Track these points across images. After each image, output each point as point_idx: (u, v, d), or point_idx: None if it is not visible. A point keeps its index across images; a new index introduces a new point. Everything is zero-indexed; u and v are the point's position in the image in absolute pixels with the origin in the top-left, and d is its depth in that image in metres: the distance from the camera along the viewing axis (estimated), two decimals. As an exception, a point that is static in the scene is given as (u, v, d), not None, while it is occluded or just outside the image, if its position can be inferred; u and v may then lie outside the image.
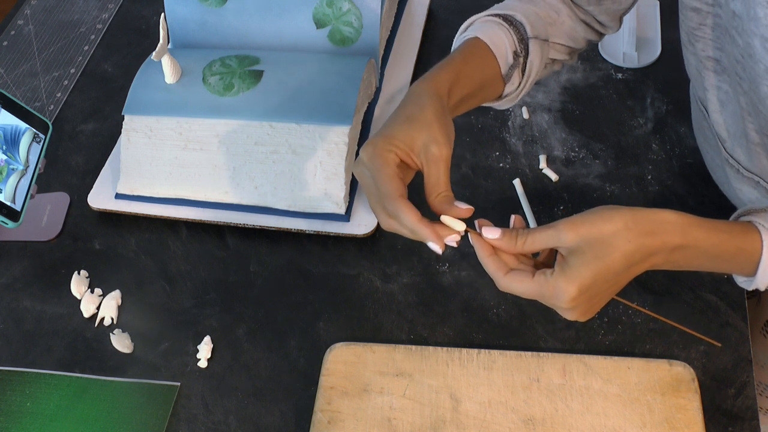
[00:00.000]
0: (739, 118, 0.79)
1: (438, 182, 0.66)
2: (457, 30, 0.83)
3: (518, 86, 0.81)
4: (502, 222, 0.95)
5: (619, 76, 1.09)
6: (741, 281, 0.70)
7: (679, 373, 0.79)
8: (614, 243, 0.60)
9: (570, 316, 0.63)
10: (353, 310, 0.88)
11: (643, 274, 0.88)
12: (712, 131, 0.85)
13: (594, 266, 0.60)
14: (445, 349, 0.82)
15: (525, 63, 0.80)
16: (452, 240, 0.64)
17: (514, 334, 0.85)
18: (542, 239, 0.62)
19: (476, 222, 0.65)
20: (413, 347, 0.83)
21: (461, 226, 0.64)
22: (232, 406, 0.82)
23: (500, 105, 0.83)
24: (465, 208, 0.65)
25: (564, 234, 0.61)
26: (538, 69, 0.81)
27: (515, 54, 0.78)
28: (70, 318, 0.90)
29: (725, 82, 0.79)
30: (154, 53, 0.92)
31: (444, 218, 0.65)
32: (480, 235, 0.64)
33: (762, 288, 0.67)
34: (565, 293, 0.61)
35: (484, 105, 0.82)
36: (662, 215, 0.62)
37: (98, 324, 0.89)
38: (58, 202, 1.00)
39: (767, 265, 0.65)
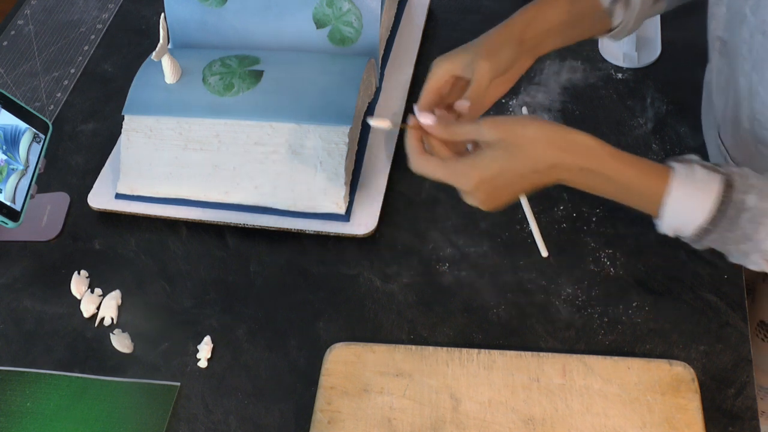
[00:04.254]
0: (734, 104, 0.79)
1: (470, 91, 0.75)
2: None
3: (623, 20, 0.83)
4: (504, 223, 0.95)
5: (619, 76, 1.09)
6: (660, 227, 0.71)
7: (679, 373, 0.79)
8: (526, 147, 0.67)
9: (471, 200, 0.71)
10: (353, 310, 0.88)
11: (643, 274, 0.88)
12: (713, 115, 0.86)
13: (501, 162, 0.68)
14: (445, 349, 0.82)
15: None
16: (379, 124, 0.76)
17: (514, 334, 0.85)
18: (466, 130, 0.70)
19: (415, 106, 0.73)
20: (413, 347, 0.83)
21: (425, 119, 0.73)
22: (232, 406, 0.82)
23: (613, 37, 0.86)
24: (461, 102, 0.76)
25: (485, 129, 0.68)
26: (642, 3, 0.82)
27: None
28: (70, 318, 0.90)
29: (727, 65, 0.80)
30: (154, 53, 0.92)
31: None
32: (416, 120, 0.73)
33: (669, 232, 0.70)
34: (469, 178, 0.69)
35: (597, 37, 0.87)
36: (578, 137, 0.68)
37: (98, 324, 0.89)
38: (58, 202, 1.00)
39: (673, 209, 0.67)
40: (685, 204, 0.67)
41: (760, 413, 1.11)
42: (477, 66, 0.76)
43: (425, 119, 0.71)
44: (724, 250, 0.70)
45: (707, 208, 0.66)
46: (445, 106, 0.79)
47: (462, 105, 0.76)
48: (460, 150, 0.74)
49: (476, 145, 0.72)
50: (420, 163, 0.72)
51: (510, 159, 0.68)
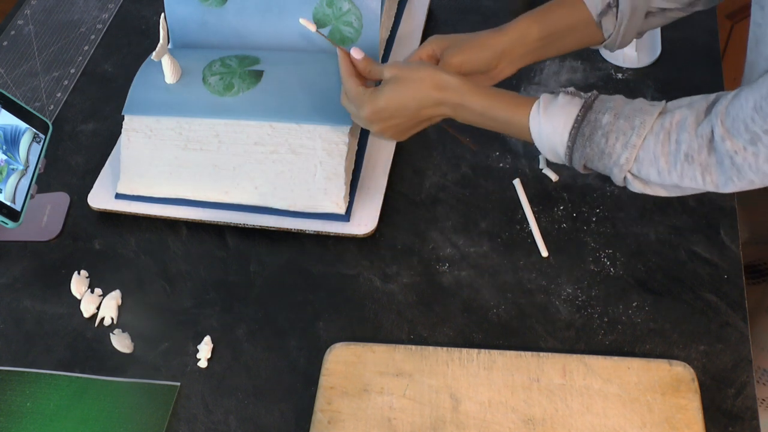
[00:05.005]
0: (762, 55, 0.81)
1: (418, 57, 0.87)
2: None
3: (612, 32, 0.86)
4: (504, 223, 0.95)
5: (619, 76, 1.09)
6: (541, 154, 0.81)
7: (679, 373, 0.79)
8: (411, 86, 0.80)
9: (370, 128, 0.84)
10: (353, 310, 0.88)
11: (643, 274, 0.88)
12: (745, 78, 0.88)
13: (392, 96, 0.80)
14: (445, 349, 0.82)
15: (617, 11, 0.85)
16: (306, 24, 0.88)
17: (514, 334, 0.85)
18: (377, 71, 0.83)
19: (353, 49, 0.84)
20: (413, 347, 0.83)
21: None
22: (232, 406, 0.82)
23: (607, 47, 0.90)
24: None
25: (386, 70, 0.82)
26: (629, 17, 0.84)
27: (608, 4, 0.85)
28: (70, 318, 0.90)
29: (763, 17, 0.81)
30: (154, 53, 0.92)
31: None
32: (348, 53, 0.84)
33: (550, 157, 0.78)
34: (366, 107, 0.82)
35: (593, 48, 0.91)
36: (451, 79, 0.79)
37: (98, 324, 0.89)
38: (58, 202, 1.00)
39: (539, 132, 0.76)
40: (545, 127, 0.75)
41: (760, 401, 1.12)
42: (445, 57, 0.85)
43: (356, 54, 0.83)
44: (598, 170, 0.76)
45: (564, 128, 0.75)
46: None
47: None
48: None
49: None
50: (347, 79, 0.83)
51: (398, 93, 0.80)
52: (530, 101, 0.78)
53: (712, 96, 0.72)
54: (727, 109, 0.68)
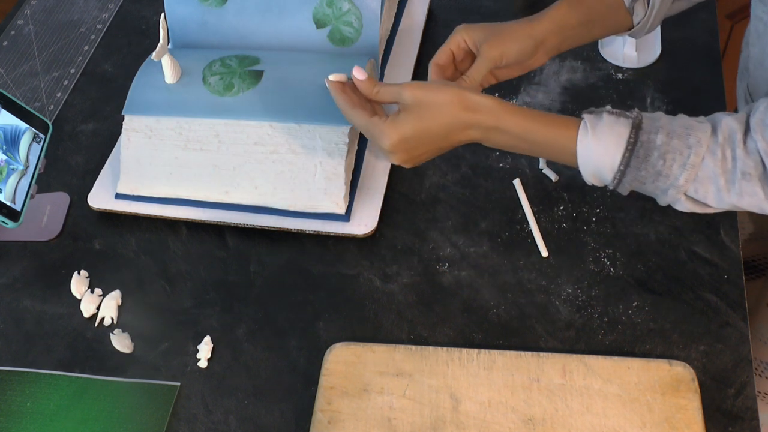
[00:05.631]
0: (765, 50, 0.83)
1: (470, 71, 0.81)
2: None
3: (644, 16, 0.85)
4: (504, 223, 0.95)
5: (619, 76, 1.09)
6: (583, 176, 0.76)
7: (679, 373, 0.79)
8: (439, 111, 0.73)
9: (392, 159, 0.78)
10: (353, 310, 0.88)
11: (643, 274, 0.88)
12: (747, 73, 0.91)
13: (417, 124, 0.74)
14: (445, 349, 0.82)
15: None
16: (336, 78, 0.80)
17: (514, 334, 0.85)
18: (389, 93, 0.76)
19: (356, 66, 0.78)
20: (413, 347, 0.83)
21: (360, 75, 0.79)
22: (232, 406, 0.82)
23: (633, 35, 0.89)
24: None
25: (404, 92, 0.74)
26: (661, 1, 0.84)
27: None
28: (70, 318, 0.90)
29: (766, 12, 0.82)
30: (154, 53, 0.92)
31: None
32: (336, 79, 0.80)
33: (591, 181, 0.75)
34: (387, 138, 0.75)
35: (620, 35, 0.90)
36: (483, 99, 0.74)
37: (98, 324, 0.89)
38: (58, 202, 1.00)
39: (586, 156, 0.72)
40: (596, 149, 0.71)
41: (763, 396, 1.12)
42: (482, 51, 0.81)
43: (358, 74, 0.77)
44: (647, 192, 0.73)
45: (618, 150, 0.71)
46: (455, 70, 0.85)
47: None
48: (378, 111, 0.79)
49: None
50: (351, 113, 0.78)
51: (425, 121, 0.74)
52: (573, 122, 0.73)
53: (746, 109, 0.70)
54: (764, 121, 0.67)
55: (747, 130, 0.68)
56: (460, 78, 0.82)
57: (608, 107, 0.74)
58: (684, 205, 0.72)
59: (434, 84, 0.77)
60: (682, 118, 0.71)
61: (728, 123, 0.69)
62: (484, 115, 0.74)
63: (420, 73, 1.10)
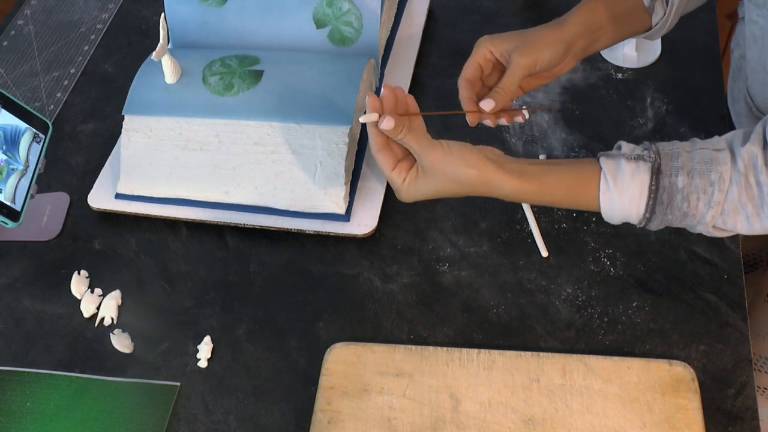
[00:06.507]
0: (765, 51, 0.82)
1: (503, 82, 0.80)
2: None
3: (663, 16, 0.84)
4: (504, 223, 0.95)
5: (619, 76, 1.09)
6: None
7: (679, 373, 0.79)
8: (458, 184, 0.75)
9: (401, 200, 0.80)
10: (353, 310, 0.88)
11: (643, 274, 0.88)
12: (743, 74, 0.91)
13: (435, 191, 0.76)
14: (445, 349, 0.82)
15: None
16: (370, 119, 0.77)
17: (514, 334, 0.85)
18: (410, 147, 0.76)
19: (386, 118, 0.76)
20: (413, 347, 0.83)
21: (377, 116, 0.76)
22: (232, 406, 0.82)
23: (650, 36, 0.88)
24: (486, 102, 0.80)
25: (424, 158, 0.75)
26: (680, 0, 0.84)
27: None
28: (70, 318, 0.90)
29: (762, 16, 0.82)
30: (154, 53, 0.92)
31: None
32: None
33: (617, 223, 0.75)
34: (406, 198, 0.78)
35: (637, 37, 0.89)
36: (502, 182, 0.74)
37: (98, 324, 0.89)
38: (58, 202, 1.00)
39: (610, 209, 0.72)
40: (620, 202, 0.71)
41: (762, 390, 1.12)
42: (514, 60, 0.80)
43: (387, 125, 0.74)
44: (677, 226, 0.73)
45: (642, 199, 0.70)
46: (482, 84, 0.84)
47: (487, 104, 0.79)
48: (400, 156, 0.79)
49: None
50: (377, 155, 0.78)
51: (441, 191, 0.76)
52: (592, 175, 0.72)
53: (759, 126, 0.69)
54: None
55: (765, 146, 0.67)
56: (492, 91, 0.80)
57: (623, 149, 0.72)
58: (714, 234, 0.72)
59: (454, 157, 0.74)
60: (700, 151, 0.70)
61: (748, 150, 0.68)
62: (505, 190, 0.75)
63: (420, 72, 1.11)
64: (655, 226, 0.72)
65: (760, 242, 1.12)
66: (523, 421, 0.77)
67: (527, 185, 0.74)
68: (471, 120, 0.81)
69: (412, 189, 0.77)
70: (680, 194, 0.69)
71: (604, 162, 0.72)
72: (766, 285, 1.04)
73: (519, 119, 0.81)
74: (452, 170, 0.74)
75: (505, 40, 0.81)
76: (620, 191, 0.71)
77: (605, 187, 0.71)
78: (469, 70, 0.82)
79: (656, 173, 0.70)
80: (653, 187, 0.70)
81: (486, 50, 0.82)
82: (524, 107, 0.83)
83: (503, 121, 0.81)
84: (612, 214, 0.73)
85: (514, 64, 0.80)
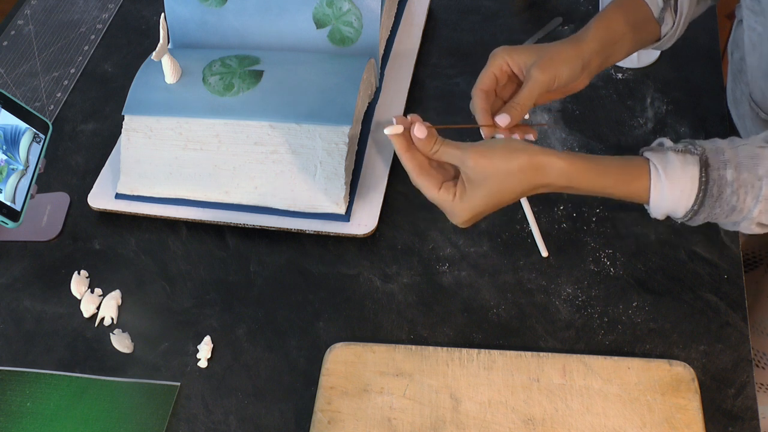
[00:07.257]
0: (765, 58, 0.83)
1: (519, 96, 0.78)
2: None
3: (672, 26, 0.84)
4: (504, 223, 0.95)
5: (619, 76, 1.09)
6: (651, 214, 0.75)
7: (679, 373, 0.79)
8: (509, 181, 0.71)
9: (458, 225, 0.76)
10: (353, 310, 0.88)
11: (643, 274, 0.88)
12: (744, 77, 0.91)
13: (488, 199, 0.72)
14: (445, 349, 0.82)
15: (676, 3, 0.84)
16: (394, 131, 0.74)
17: (514, 334, 0.85)
18: (450, 155, 0.73)
19: (410, 116, 0.74)
20: (413, 347, 0.83)
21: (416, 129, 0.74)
22: (232, 406, 0.82)
23: (659, 46, 0.88)
24: (502, 117, 0.77)
25: (468, 160, 0.71)
26: (689, 6, 0.84)
27: None
28: (70, 318, 0.90)
29: (760, 23, 0.83)
30: (154, 53, 0.92)
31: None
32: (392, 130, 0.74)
33: (661, 218, 0.74)
34: (461, 216, 0.74)
35: (647, 48, 0.88)
36: (553, 161, 0.71)
37: (98, 324, 0.89)
38: (58, 202, 1.00)
39: (660, 201, 0.71)
40: (670, 194, 0.70)
41: (763, 388, 1.12)
42: (533, 75, 0.78)
43: (419, 133, 0.72)
44: (717, 223, 0.73)
45: (693, 191, 0.70)
46: (496, 95, 0.82)
47: (503, 120, 0.77)
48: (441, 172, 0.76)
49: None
50: (418, 181, 0.75)
51: (495, 194, 0.72)
52: (642, 169, 0.71)
53: None
54: None
55: None
56: (508, 105, 0.78)
57: (669, 143, 0.72)
58: (755, 231, 0.72)
59: (499, 150, 0.72)
60: (744, 147, 0.70)
61: None
62: (556, 178, 0.72)
63: (420, 72, 1.11)
64: (699, 220, 0.72)
65: (760, 240, 1.12)
66: (523, 421, 0.77)
67: (576, 168, 0.71)
68: (485, 134, 0.78)
69: (465, 203, 0.73)
70: (730, 188, 0.69)
71: (651, 155, 0.71)
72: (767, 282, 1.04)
73: (530, 137, 0.79)
74: (501, 163, 0.71)
75: (523, 54, 0.79)
76: (672, 183, 0.70)
77: (656, 178, 0.70)
78: (485, 81, 0.80)
79: (705, 166, 0.69)
80: (703, 179, 0.69)
81: (503, 62, 0.80)
82: (533, 124, 0.82)
83: (516, 137, 0.79)
84: (660, 207, 0.72)
85: (534, 80, 0.78)
